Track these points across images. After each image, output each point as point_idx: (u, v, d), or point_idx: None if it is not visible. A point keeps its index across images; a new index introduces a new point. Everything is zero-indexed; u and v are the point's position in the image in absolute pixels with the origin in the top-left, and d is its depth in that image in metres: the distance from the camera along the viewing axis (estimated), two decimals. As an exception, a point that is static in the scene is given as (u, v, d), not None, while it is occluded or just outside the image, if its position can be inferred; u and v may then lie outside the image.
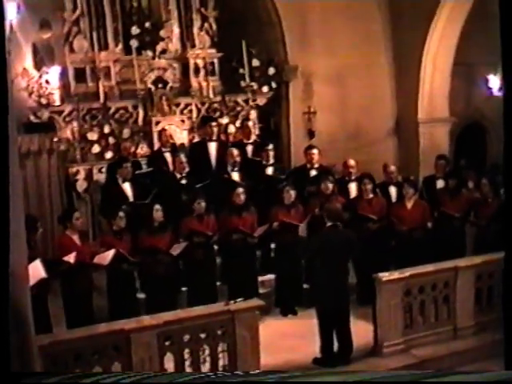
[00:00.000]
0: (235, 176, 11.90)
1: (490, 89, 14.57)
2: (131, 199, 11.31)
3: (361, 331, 9.49)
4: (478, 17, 14.77)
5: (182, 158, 11.75)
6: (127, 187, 11.37)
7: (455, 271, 9.92)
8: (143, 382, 5.73)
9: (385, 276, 9.51)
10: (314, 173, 12.30)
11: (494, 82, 14.42)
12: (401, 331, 9.58)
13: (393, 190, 11.99)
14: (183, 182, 11.65)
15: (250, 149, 12.94)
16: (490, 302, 10.25)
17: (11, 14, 11.32)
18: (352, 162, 12.11)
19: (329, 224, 9.15)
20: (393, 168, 12.23)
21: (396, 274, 9.61)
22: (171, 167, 12.11)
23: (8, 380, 5.26)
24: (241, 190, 10.94)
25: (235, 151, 12.07)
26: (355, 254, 9.57)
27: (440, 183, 12.26)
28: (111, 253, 9.72)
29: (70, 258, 9.38)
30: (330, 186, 11.41)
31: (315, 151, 12.43)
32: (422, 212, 11.42)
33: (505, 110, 8.17)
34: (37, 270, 8.47)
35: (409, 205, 11.39)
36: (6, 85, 5.35)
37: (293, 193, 11.11)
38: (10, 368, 5.39)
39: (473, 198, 12.10)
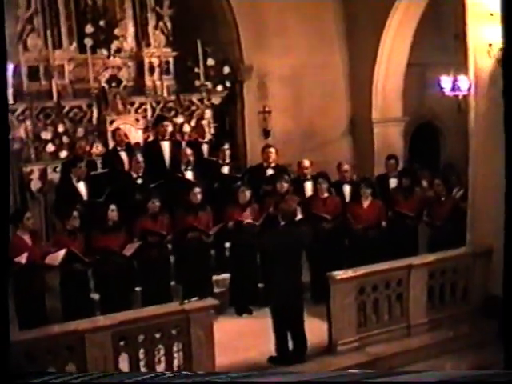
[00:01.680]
0: (189, 175, 11.90)
1: (443, 89, 14.72)
2: (86, 199, 11.22)
3: (315, 329, 9.51)
4: (431, 17, 14.96)
5: (139, 157, 11.72)
6: (81, 187, 11.30)
7: (408, 269, 10.01)
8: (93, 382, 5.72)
9: (338, 274, 9.56)
10: (270, 172, 12.36)
11: (446, 82, 14.58)
12: (355, 329, 9.63)
13: (347, 189, 12.07)
14: (139, 181, 11.60)
15: (205, 148, 12.95)
16: (442, 299, 10.37)
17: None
18: (306, 163, 12.17)
19: (282, 223, 9.19)
20: (346, 167, 12.29)
21: (349, 273, 9.67)
22: (126, 166, 12.05)
23: (7, 380, 5.19)
24: (198, 189, 10.95)
25: (189, 150, 12.08)
26: (307, 251, 9.61)
27: (393, 182, 12.39)
28: (62, 253, 9.64)
29: (22, 258, 9.30)
30: (285, 185, 11.48)
31: (272, 150, 12.50)
32: (377, 211, 11.55)
33: (505, 109, 8.32)
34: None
35: (365, 204, 11.50)
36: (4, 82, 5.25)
37: (248, 192, 11.15)
38: (8, 368, 5.31)
39: (426, 198, 12.24)
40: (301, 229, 9.50)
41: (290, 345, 9.19)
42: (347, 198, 12.05)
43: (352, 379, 6.38)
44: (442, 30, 15.71)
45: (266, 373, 8.04)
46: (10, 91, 12.17)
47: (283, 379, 6.12)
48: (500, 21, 8.88)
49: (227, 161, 12.39)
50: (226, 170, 12.36)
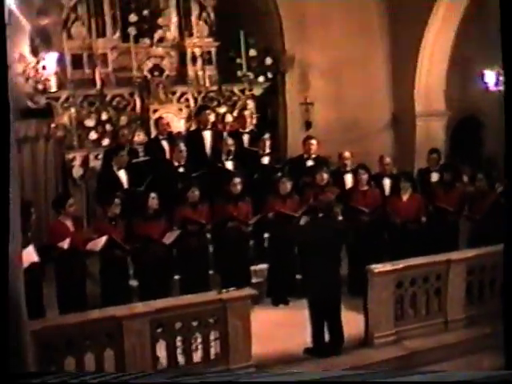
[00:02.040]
0: (229, 165, 11.94)
1: (486, 83, 14.59)
2: (126, 187, 11.32)
3: (352, 322, 9.53)
4: (475, 12, 14.81)
5: (182, 146, 11.75)
6: (122, 175, 11.37)
7: (447, 264, 9.96)
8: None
9: (377, 268, 9.54)
10: (310, 163, 12.35)
11: (490, 76, 14.44)
12: (392, 323, 9.62)
13: (387, 182, 12.01)
14: (181, 170, 11.65)
15: (246, 138, 12.95)
16: (481, 295, 10.30)
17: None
18: (347, 154, 12.14)
19: (321, 215, 9.18)
20: (388, 160, 12.24)
21: (388, 266, 9.63)
22: (168, 155, 12.12)
23: (6, 380, 5.29)
24: (237, 179, 10.97)
25: (230, 140, 12.12)
26: (347, 244, 9.58)
27: (434, 176, 12.30)
28: (103, 239, 9.74)
29: (64, 243, 9.41)
30: (325, 176, 11.46)
31: (314, 142, 12.48)
32: (416, 205, 11.47)
33: (506, 109, 8.22)
34: (29, 255, 8.50)
35: (404, 197, 11.45)
36: (5, 74, 5.35)
37: (289, 183, 11.16)
38: (8, 368, 5.41)
39: (467, 192, 12.13)
40: (340, 221, 9.46)
41: (327, 337, 9.21)
42: (387, 192, 12.01)
43: (355, 379, 6.36)
44: (487, 23, 15.52)
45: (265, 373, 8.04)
46: (53, 79, 12.38)
47: (283, 379, 6.13)
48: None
49: (267, 151, 12.38)
50: (266, 160, 12.34)
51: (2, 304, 5.29)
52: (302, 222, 10.34)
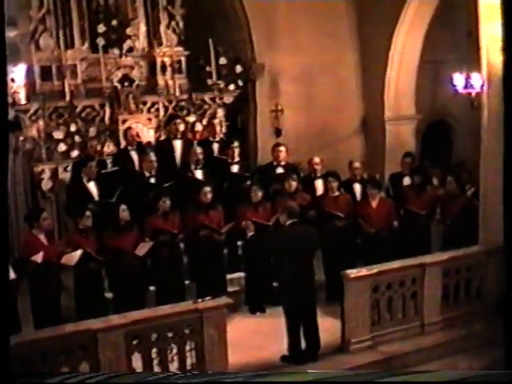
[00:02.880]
0: (199, 174, 11.93)
1: (455, 86, 14.70)
2: (96, 198, 11.25)
3: (329, 328, 9.52)
4: (443, 15, 14.92)
5: (152, 156, 11.73)
6: (92, 186, 11.32)
7: (422, 268, 9.99)
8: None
9: (352, 273, 9.55)
10: (280, 170, 12.37)
11: (459, 79, 14.55)
12: (368, 328, 9.62)
13: (357, 187, 12.04)
14: (152, 180, 11.62)
15: (216, 147, 12.94)
16: (456, 297, 10.35)
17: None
18: (317, 160, 12.17)
19: (289, 222, 9.15)
20: (357, 164, 12.27)
21: (364, 271, 9.65)
22: (137, 166, 12.08)
23: (7, 380, 5.20)
24: (208, 188, 10.95)
25: (198, 149, 12.11)
26: (322, 250, 9.56)
27: (406, 180, 12.35)
28: (78, 253, 9.69)
29: (38, 257, 9.34)
30: (294, 183, 11.46)
31: (282, 149, 12.50)
32: (387, 210, 11.50)
33: (505, 110, 8.29)
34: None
35: (374, 203, 11.44)
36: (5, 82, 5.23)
37: (260, 191, 11.15)
38: (8, 368, 5.32)
39: (438, 195, 12.20)
40: (310, 227, 9.44)
41: (303, 344, 9.18)
42: (358, 197, 12.03)
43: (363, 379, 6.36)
44: (455, 27, 15.66)
45: (275, 373, 8.01)
46: (22, 91, 12.27)
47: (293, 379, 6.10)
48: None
49: (236, 159, 12.40)
50: (235, 168, 12.37)
51: (2, 304, 5.19)
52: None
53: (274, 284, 11.00)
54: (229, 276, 11.33)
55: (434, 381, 6.25)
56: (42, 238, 9.74)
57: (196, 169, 11.96)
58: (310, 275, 9.20)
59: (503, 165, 8.41)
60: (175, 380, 6.44)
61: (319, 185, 12.09)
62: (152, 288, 10.69)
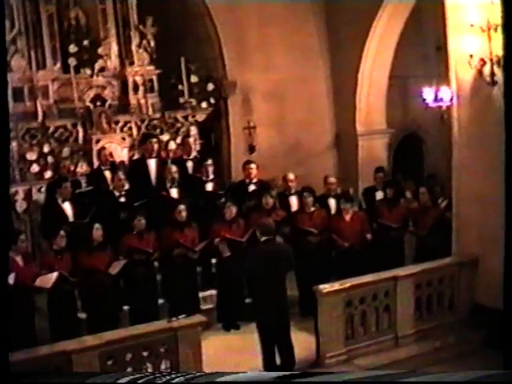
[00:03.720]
0: (174, 192, 11.91)
1: (425, 100, 14.87)
2: (71, 219, 11.25)
3: (303, 343, 9.60)
4: (412, 30, 15.10)
5: (121, 175, 11.73)
6: (67, 207, 11.30)
7: (395, 281, 10.07)
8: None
9: (325, 288, 9.60)
10: (252, 187, 12.40)
11: (429, 93, 14.73)
12: (342, 342, 9.68)
13: (332, 202, 12.10)
14: (122, 199, 11.62)
15: (190, 165, 12.95)
16: (429, 310, 10.43)
17: None
18: (291, 176, 12.22)
19: (263, 238, 9.19)
20: (332, 179, 12.34)
21: (336, 286, 9.70)
22: (111, 185, 12.08)
23: (7, 380, 5.19)
24: (182, 206, 10.96)
25: (173, 168, 12.09)
26: (292, 266, 9.60)
27: (379, 194, 12.44)
28: (54, 275, 9.66)
29: (9, 279, 9.29)
30: (271, 200, 11.53)
31: (253, 166, 12.52)
32: (360, 224, 11.57)
33: (506, 110, 8.40)
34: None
35: (347, 217, 11.52)
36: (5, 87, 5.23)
37: (234, 208, 11.18)
38: (9, 368, 5.30)
39: (411, 208, 12.30)
40: (285, 245, 9.49)
41: (278, 359, 9.22)
42: (333, 212, 12.10)
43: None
44: (424, 42, 15.87)
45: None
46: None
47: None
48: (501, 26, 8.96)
49: (211, 177, 12.39)
50: (210, 186, 12.34)
51: (2, 304, 5.17)
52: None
53: (247, 300, 11.09)
54: (201, 294, 11.35)
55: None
56: (19, 259, 9.71)
57: (171, 187, 11.94)
58: (282, 292, 9.18)
59: (505, 172, 8.47)
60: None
61: (294, 201, 12.13)
62: (126, 307, 10.69)
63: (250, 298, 10.84)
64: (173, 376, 6.51)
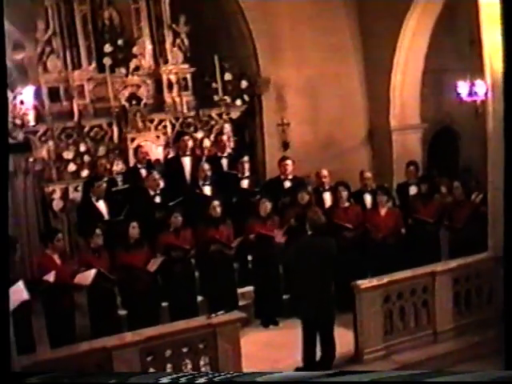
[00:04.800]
0: (207, 190, 11.96)
1: (459, 94, 14.76)
2: (106, 217, 11.35)
3: (341, 339, 9.53)
4: (446, 24, 15.00)
5: (155, 174, 11.79)
6: (101, 205, 11.41)
7: (433, 276, 10.03)
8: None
9: (363, 283, 9.60)
10: (288, 184, 12.41)
11: (463, 87, 14.62)
12: (381, 337, 9.67)
13: (368, 198, 12.10)
14: (157, 198, 11.68)
15: (225, 162, 13.02)
16: (468, 304, 10.37)
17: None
18: (325, 172, 12.23)
19: (309, 233, 9.18)
20: (368, 174, 12.35)
21: (374, 281, 9.70)
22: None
23: (9, 380, 5.25)
24: (216, 202, 11.01)
25: (206, 166, 12.14)
26: (337, 260, 9.56)
27: (413, 189, 12.39)
28: (92, 273, 9.74)
29: (50, 277, 9.41)
30: (306, 196, 11.53)
31: (289, 162, 12.55)
32: (395, 219, 11.57)
33: (505, 110, 8.35)
34: (19, 293, 8.50)
35: (382, 212, 11.52)
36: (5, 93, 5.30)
37: (269, 204, 11.20)
38: (10, 368, 5.37)
39: (445, 203, 12.23)
40: (327, 237, 9.43)
41: (318, 355, 9.21)
42: (368, 207, 12.08)
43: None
44: (458, 36, 15.72)
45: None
46: (31, 113, 12.38)
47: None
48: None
49: (246, 174, 12.45)
50: (245, 183, 12.42)
51: (2, 304, 5.24)
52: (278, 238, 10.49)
53: (284, 296, 11.10)
54: (239, 290, 11.38)
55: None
56: (56, 258, 9.83)
57: (204, 185, 12.01)
58: (328, 286, 9.21)
59: (504, 172, 8.43)
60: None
61: (327, 197, 12.14)
62: (164, 304, 10.75)
63: (289, 294, 10.91)
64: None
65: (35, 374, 5.40)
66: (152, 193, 11.72)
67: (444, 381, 5.00)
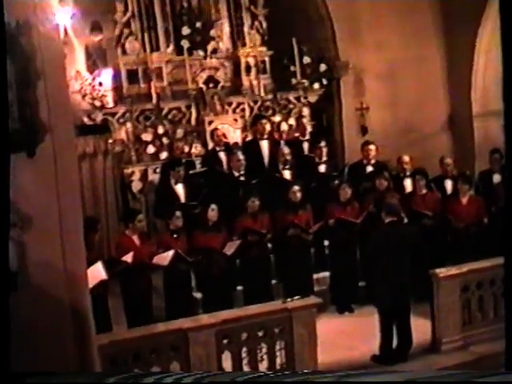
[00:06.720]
0: (286, 174, 11.91)
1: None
2: (183, 200, 11.40)
3: (418, 328, 9.43)
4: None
5: (239, 155, 11.79)
6: (180, 189, 11.46)
7: (514, 266, 9.76)
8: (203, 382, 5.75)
9: (442, 272, 9.44)
10: (370, 169, 12.28)
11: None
12: (459, 328, 9.50)
13: (448, 184, 11.87)
14: (241, 179, 11.69)
15: (305, 146, 12.97)
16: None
17: (64, 19, 11.46)
18: (406, 158, 12.04)
19: (388, 220, 9.05)
20: (449, 160, 12.10)
21: (453, 270, 9.53)
22: (225, 166, 12.15)
23: (9, 380, 5.29)
24: (297, 187, 10.95)
25: (286, 149, 12.09)
26: (418, 248, 9.40)
27: (497, 178, 12.09)
28: (170, 253, 9.82)
29: (128, 257, 9.50)
30: (385, 182, 11.37)
31: (372, 147, 12.42)
32: (476, 208, 11.33)
33: (505, 108, 8.04)
34: (97, 272, 8.62)
35: (464, 200, 11.30)
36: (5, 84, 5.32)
37: (349, 190, 11.10)
38: (9, 368, 5.40)
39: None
40: (409, 224, 9.28)
41: (394, 343, 9.10)
42: (449, 193, 11.85)
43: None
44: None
45: (368, 372, 7.92)
46: (110, 94, 12.50)
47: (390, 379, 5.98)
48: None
49: (324, 159, 12.35)
50: (322, 168, 12.32)
51: (2, 304, 5.28)
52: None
53: (360, 284, 10.99)
54: (315, 276, 11.30)
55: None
56: (135, 238, 9.92)
57: (284, 169, 11.97)
58: (406, 274, 9.09)
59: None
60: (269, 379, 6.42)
61: (408, 183, 11.96)
62: (239, 288, 10.76)
63: (365, 281, 10.78)
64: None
65: (35, 374, 5.43)
66: (236, 174, 11.73)
67: (444, 381, 4.82)
